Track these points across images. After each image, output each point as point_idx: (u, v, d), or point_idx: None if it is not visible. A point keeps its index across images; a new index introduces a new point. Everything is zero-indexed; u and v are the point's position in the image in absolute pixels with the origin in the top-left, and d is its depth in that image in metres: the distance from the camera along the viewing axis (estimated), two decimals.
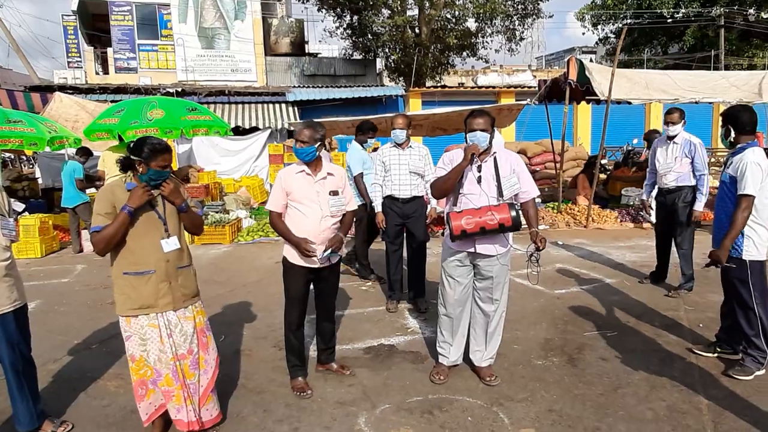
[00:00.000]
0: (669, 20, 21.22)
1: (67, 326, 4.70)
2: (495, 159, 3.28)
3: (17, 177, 11.40)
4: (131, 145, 2.71)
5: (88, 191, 7.67)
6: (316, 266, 3.27)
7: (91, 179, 7.79)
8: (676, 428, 2.87)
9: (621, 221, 8.67)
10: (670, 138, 5.02)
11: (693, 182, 4.95)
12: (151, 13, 18.88)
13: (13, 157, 14.39)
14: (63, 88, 14.80)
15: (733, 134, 3.42)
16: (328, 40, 21.94)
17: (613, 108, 8.52)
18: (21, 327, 2.84)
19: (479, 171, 3.26)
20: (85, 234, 7.86)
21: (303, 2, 20.59)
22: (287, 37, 21.01)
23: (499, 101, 18.03)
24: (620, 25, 21.46)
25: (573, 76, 8.34)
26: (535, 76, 22.48)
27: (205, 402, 2.83)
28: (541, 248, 3.21)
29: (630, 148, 12.35)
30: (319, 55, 22.76)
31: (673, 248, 5.25)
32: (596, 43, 25.59)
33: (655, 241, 5.49)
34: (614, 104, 8.65)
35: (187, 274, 2.83)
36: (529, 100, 10.22)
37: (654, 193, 5.43)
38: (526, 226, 3.37)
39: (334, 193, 3.24)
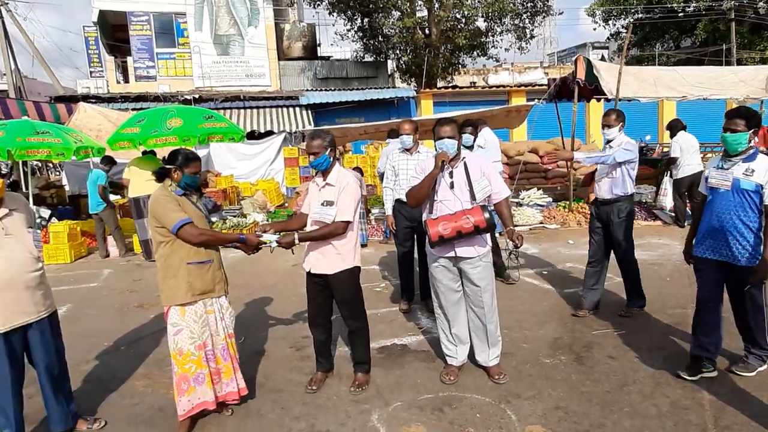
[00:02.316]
0: (680, 14, 20.96)
1: (96, 329, 4.93)
2: (465, 164, 3.40)
3: (45, 185, 11.81)
4: (166, 156, 3.08)
5: (112, 198, 8.00)
6: (313, 271, 3.40)
7: (115, 186, 8.10)
8: (678, 423, 2.97)
9: None
10: (609, 142, 4.53)
11: (629, 191, 4.46)
12: (168, 22, 19.29)
13: (40, 165, 14.86)
14: (86, 98, 15.25)
15: (756, 138, 3.34)
16: (339, 43, 22.16)
17: (624, 105, 8.54)
18: (54, 332, 3.05)
19: (451, 177, 3.39)
20: (110, 239, 8.18)
21: (314, 7, 20.82)
22: (299, 42, 21.27)
23: (510, 100, 18.03)
24: (631, 20, 21.22)
25: (581, 75, 8.40)
26: (547, 73, 22.41)
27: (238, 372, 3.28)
28: (519, 245, 3.33)
29: (642, 144, 12.30)
30: (331, 58, 22.97)
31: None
32: (608, 38, 25.32)
33: (588, 259, 4.78)
34: (626, 101, 8.68)
35: (223, 266, 3.24)
36: (537, 100, 10.27)
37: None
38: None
39: (329, 203, 3.31)
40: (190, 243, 2.95)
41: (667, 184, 8.66)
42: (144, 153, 7.74)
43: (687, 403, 3.17)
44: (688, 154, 7.89)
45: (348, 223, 3.30)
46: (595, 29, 24.12)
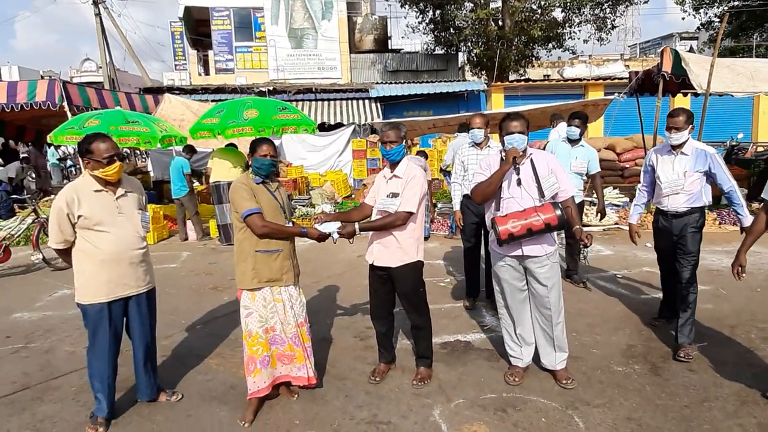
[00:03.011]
0: None
1: (176, 307, 5.26)
2: (531, 160, 3.31)
3: (133, 171, 12.71)
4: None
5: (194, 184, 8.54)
6: (376, 263, 3.42)
7: (195, 174, 8.58)
8: None
9: (720, 224, 8.09)
10: (675, 148, 3.85)
11: (706, 202, 3.88)
12: (246, 17, 20.11)
13: (129, 152, 15.99)
14: (171, 89, 16.23)
15: None
16: (410, 35, 22.06)
17: (716, 100, 7.95)
18: (151, 307, 3.30)
19: (518, 173, 3.29)
20: (189, 224, 8.69)
21: None
22: (371, 34, 21.46)
23: (586, 95, 17.24)
24: (725, 8, 19.49)
25: (667, 67, 7.88)
26: (627, 66, 21.14)
27: (312, 361, 3.34)
28: (588, 245, 3.21)
29: (734, 143, 11.38)
30: (401, 51, 22.97)
31: None
32: (698, 28, 23.41)
33: (660, 273, 4.38)
34: (717, 96, 8.05)
35: (296, 257, 3.32)
36: (616, 94, 9.76)
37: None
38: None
39: (394, 195, 3.33)
40: (254, 233, 3.05)
41: None
42: (226, 145, 8.19)
43: None
44: None
45: (410, 214, 3.29)
46: (683, 18, 22.44)
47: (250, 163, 3.18)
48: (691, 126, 3.80)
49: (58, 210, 2.94)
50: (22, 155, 13.39)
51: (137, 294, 3.16)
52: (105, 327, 3.04)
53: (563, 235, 5.77)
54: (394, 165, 3.40)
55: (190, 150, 8.86)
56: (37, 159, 13.13)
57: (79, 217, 2.95)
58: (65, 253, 3.08)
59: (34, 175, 12.17)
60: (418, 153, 8.60)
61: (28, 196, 8.42)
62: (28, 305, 5.53)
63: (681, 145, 3.83)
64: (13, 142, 13.72)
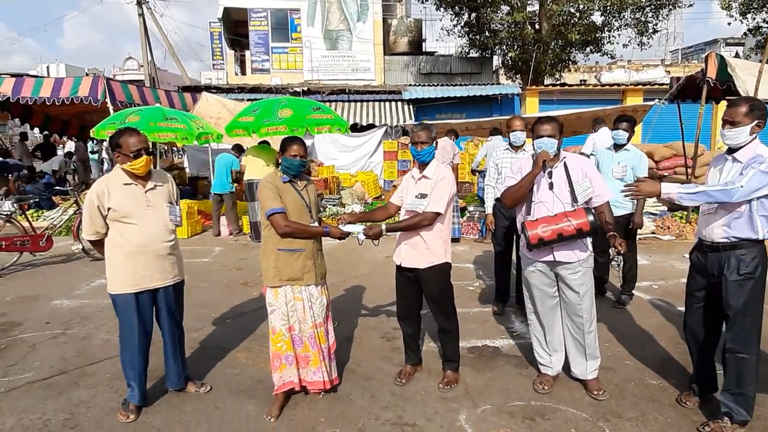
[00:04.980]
0: None
1: (206, 301, 5.36)
2: (565, 164, 3.23)
3: (169, 166, 13.03)
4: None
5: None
6: (404, 264, 3.40)
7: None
8: None
9: None
10: (731, 152, 2.86)
11: (760, 234, 2.76)
12: (283, 18, 20.41)
13: (166, 148, 16.43)
14: (208, 88, 16.62)
15: None
16: (444, 38, 21.91)
17: None
18: (178, 299, 3.36)
19: (550, 177, 3.22)
20: (222, 220, 8.85)
21: (422, 2, 20.83)
22: (405, 37, 21.48)
23: (624, 100, 16.83)
24: None
25: (712, 73, 7.60)
26: (668, 72, 20.53)
27: (330, 364, 3.32)
28: (623, 252, 3.09)
29: None
30: (435, 54, 22.90)
31: None
32: (744, 33, 22.49)
33: (684, 332, 3.26)
34: (765, 103, 7.72)
35: (322, 256, 3.32)
36: (657, 100, 9.48)
37: None
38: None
39: (423, 195, 3.30)
40: (276, 232, 3.06)
41: None
42: (260, 143, 8.31)
43: None
44: None
45: (437, 214, 3.26)
46: (729, 23, 21.53)
47: (279, 161, 3.18)
48: (755, 122, 2.75)
49: (89, 202, 3.03)
50: (66, 150, 13.92)
51: (164, 286, 3.21)
52: (132, 317, 3.10)
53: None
54: (423, 166, 3.39)
55: (238, 149, 9.09)
56: (84, 153, 13.64)
57: (108, 209, 3.02)
58: (98, 244, 3.17)
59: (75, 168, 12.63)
60: (449, 132, 8.45)
61: (70, 188, 8.74)
62: (68, 293, 5.73)
63: (739, 149, 2.82)
64: (57, 137, 14.26)
